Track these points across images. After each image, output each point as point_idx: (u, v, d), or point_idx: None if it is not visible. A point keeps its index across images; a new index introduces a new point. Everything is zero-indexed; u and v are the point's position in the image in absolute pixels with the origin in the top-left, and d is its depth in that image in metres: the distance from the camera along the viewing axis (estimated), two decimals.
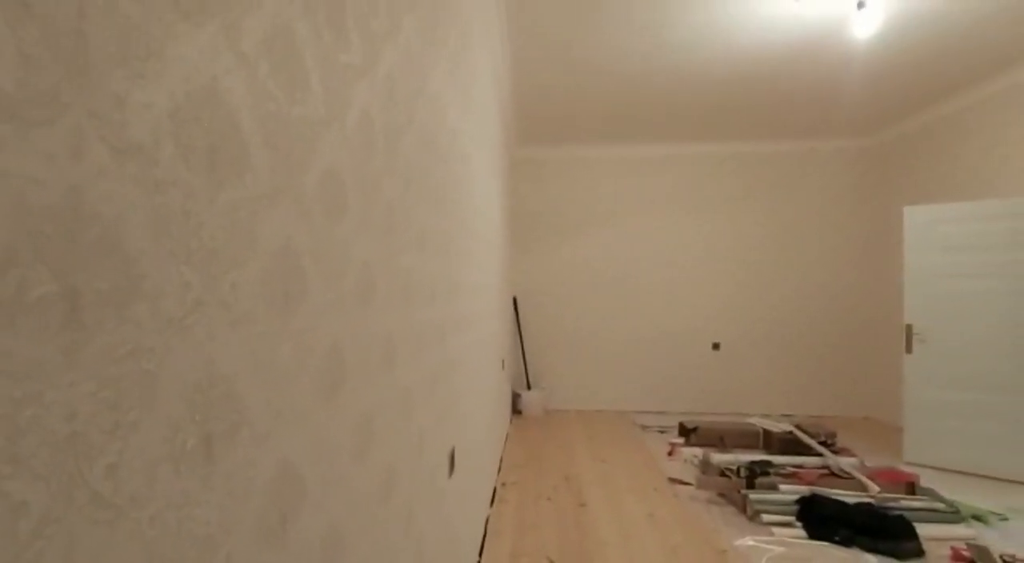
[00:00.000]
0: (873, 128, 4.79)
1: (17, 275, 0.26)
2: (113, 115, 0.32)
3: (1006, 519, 2.69)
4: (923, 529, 2.45)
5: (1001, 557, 2.27)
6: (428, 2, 1.25)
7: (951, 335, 3.54)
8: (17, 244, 0.26)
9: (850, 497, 2.69)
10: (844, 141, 5.12)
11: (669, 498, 2.99)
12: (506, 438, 4.21)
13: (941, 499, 2.73)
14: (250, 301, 0.48)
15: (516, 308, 5.37)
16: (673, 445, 3.94)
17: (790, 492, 2.74)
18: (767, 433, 3.79)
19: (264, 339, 0.50)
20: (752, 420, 4.12)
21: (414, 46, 1.11)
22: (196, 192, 0.40)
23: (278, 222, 0.53)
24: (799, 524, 2.54)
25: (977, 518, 2.67)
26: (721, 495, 2.95)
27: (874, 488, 2.77)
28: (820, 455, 3.36)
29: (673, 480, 3.26)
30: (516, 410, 5.19)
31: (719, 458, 3.25)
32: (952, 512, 2.60)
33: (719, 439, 3.89)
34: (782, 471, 3.01)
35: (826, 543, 2.38)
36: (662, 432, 4.47)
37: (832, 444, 3.56)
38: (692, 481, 3.21)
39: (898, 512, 2.53)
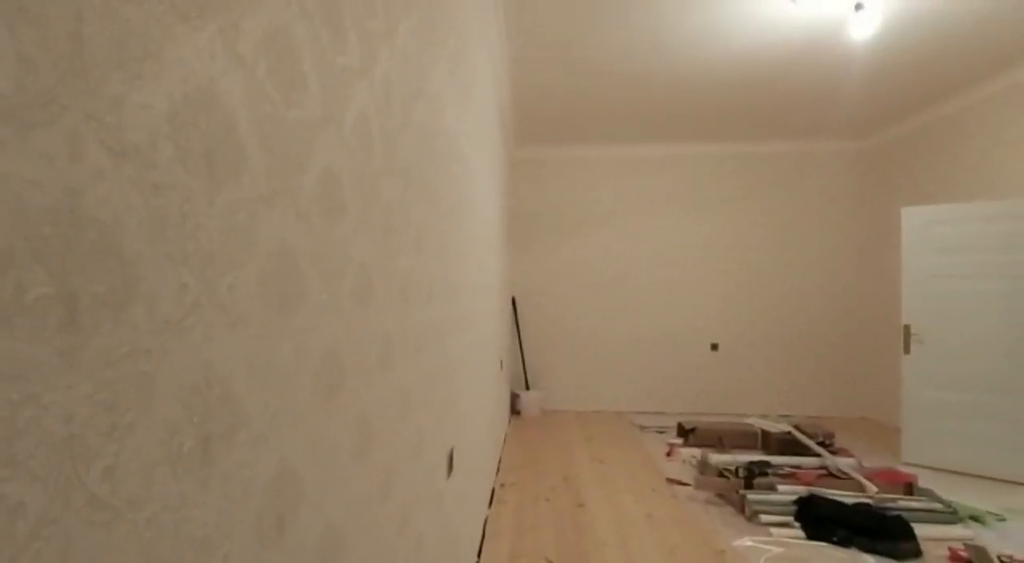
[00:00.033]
0: (871, 129, 4.80)
1: (14, 277, 0.26)
2: (111, 117, 0.32)
3: (1003, 520, 2.70)
4: (921, 529, 2.45)
5: (998, 557, 2.27)
6: (426, 3, 1.26)
7: (949, 336, 3.55)
8: (15, 246, 0.26)
9: (848, 497, 2.69)
10: (842, 142, 5.13)
11: (667, 498, 2.99)
12: (505, 439, 4.21)
13: (939, 499, 2.73)
14: (248, 303, 0.48)
15: (515, 308, 5.37)
16: (671, 445, 3.94)
17: (788, 492, 2.74)
18: (765, 433, 3.79)
19: (262, 341, 0.50)
20: (750, 421, 4.12)
21: (412, 47, 1.11)
22: (193, 194, 0.40)
23: (276, 224, 0.53)
24: (797, 524, 2.54)
25: (975, 519, 2.67)
26: (719, 495, 2.96)
27: (872, 488, 2.78)
28: (818, 456, 3.36)
29: (671, 480, 3.27)
30: (515, 410, 5.19)
31: (717, 458, 3.26)
32: (950, 512, 2.61)
33: (717, 439, 3.89)
34: (780, 471, 3.02)
35: (824, 543, 2.38)
36: (660, 432, 4.48)
37: (830, 444, 3.57)
38: (690, 481, 3.21)
39: (896, 512, 2.53)
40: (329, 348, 0.67)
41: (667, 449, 3.92)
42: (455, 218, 1.73)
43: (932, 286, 3.62)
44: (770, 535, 2.49)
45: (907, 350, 3.70)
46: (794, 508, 2.62)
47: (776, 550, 2.34)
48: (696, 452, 3.73)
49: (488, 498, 2.81)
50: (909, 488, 2.81)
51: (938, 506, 2.64)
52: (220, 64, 0.43)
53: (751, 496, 2.70)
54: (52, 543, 0.28)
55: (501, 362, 3.87)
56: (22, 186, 0.27)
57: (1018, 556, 2.31)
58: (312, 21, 0.61)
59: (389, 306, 0.94)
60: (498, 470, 3.47)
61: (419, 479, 1.16)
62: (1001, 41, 3.17)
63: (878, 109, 4.30)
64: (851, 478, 2.91)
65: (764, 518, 2.60)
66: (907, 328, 3.70)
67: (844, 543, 2.36)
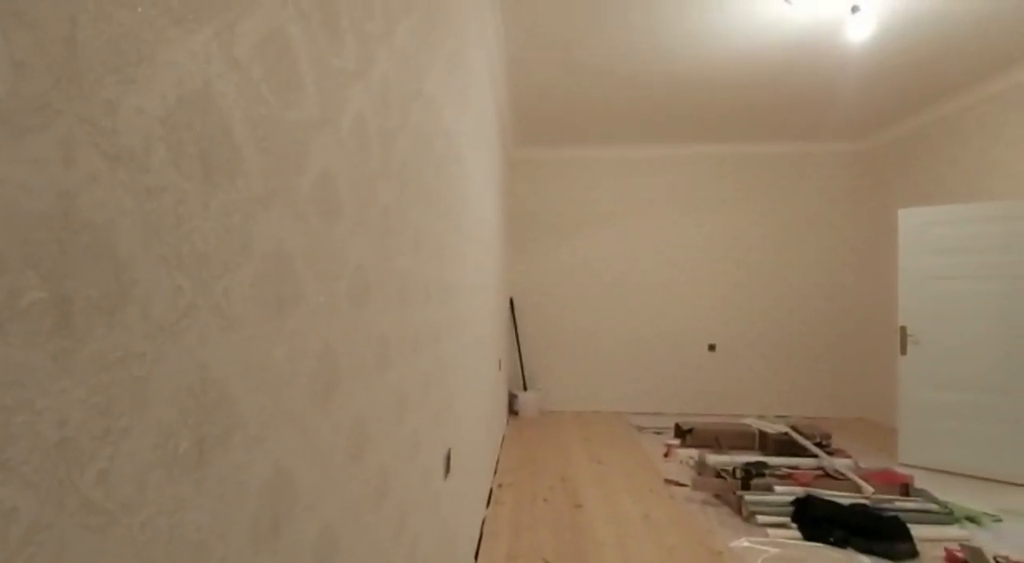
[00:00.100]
0: (869, 131, 4.82)
1: (8, 282, 0.26)
2: (104, 121, 0.32)
3: (999, 520, 2.71)
4: (917, 530, 2.46)
5: (994, 558, 2.28)
6: (424, 4, 1.26)
7: (945, 337, 3.56)
8: (8, 251, 0.26)
9: (845, 498, 2.70)
10: (840, 144, 5.15)
11: (665, 499, 2.99)
12: (502, 439, 4.21)
13: (935, 500, 2.74)
14: (243, 305, 0.48)
15: (513, 309, 5.37)
16: (669, 446, 3.94)
17: (785, 493, 2.75)
18: (763, 434, 3.80)
19: (258, 343, 0.50)
20: (748, 421, 4.13)
21: (410, 48, 1.11)
22: (188, 197, 0.40)
23: (272, 226, 0.53)
24: (794, 525, 2.55)
25: (971, 519, 2.68)
26: (717, 496, 2.96)
27: (868, 489, 2.79)
28: (815, 456, 3.37)
29: (669, 481, 3.27)
30: (512, 411, 5.19)
31: (715, 459, 3.26)
32: (946, 513, 2.62)
33: (715, 440, 3.90)
34: (777, 472, 3.02)
35: (821, 544, 2.39)
36: (658, 433, 4.48)
37: (827, 445, 3.57)
38: (688, 482, 3.22)
39: (892, 513, 2.54)
40: (325, 350, 0.67)
41: (665, 450, 3.92)
42: (452, 219, 1.73)
43: (928, 287, 3.63)
44: (767, 536, 2.49)
45: (903, 351, 3.71)
46: (791, 509, 2.62)
47: (773, 551, 2.34)
48: (694, 453, 3.74)
49: (486, 499, 2.81)
50: (905, 489, 2.81)
51: (934, 507, 2.65)
52: (215, 67, 0.43)
53: (748, 497, 2.70)
54: (46, 548, 0.28)
55: (499, 362, 3.87)
56: (15, 191, 0.27)
57: (1014, 557, 2.31)
58: (309, 23, 0.61)
59: (386, 307, 0.94)
60: (496, 470, 3.47)
61: (416, 480, 1.16)
62: (996, 44, 3.18)
63: (875, 110, 4.31)
64: (848, 479, 2.92)
65: (761, 519, 2.61)
66: (903, 329, 3.71)
67: (841, 544, 2.36)
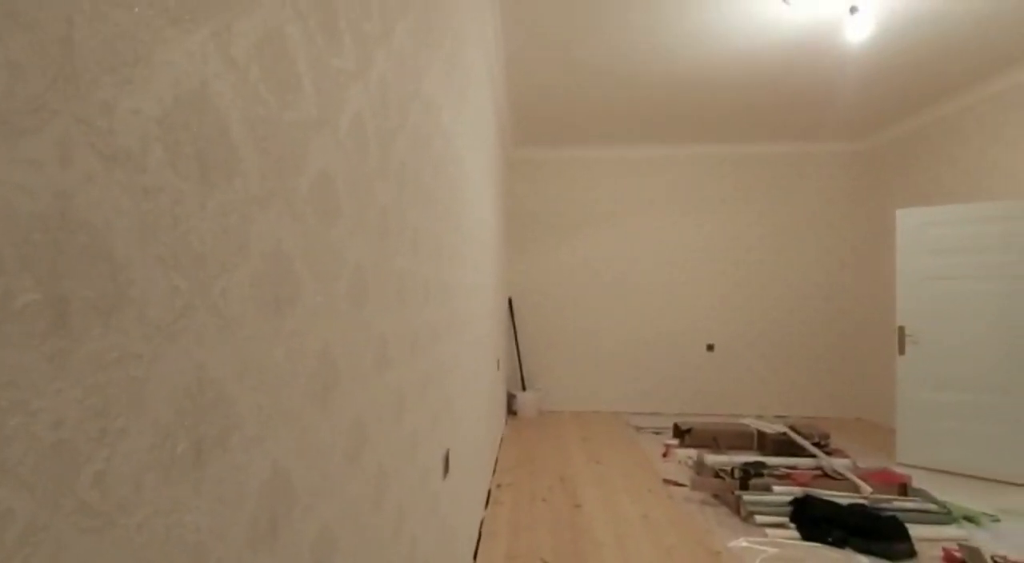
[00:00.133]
0: (868, 131, 4.83)
1: (3, 283, 0.26)
2: (101, 121, 0.32)
3: (997, 520, 2.71)
4: (915, 530, 2.46)
5: (992, 558, 2.28)
6: (422, 4, 1.26)
7: (943, 337, 3.56)
8: (3, 251, 0.26)
9: (843, 498, 2.70)
10: (839, 144, 5.15)
11: (663, 499, 2.99)
12: (501, 439, 4.21)
13: (933, 500, 2.74)
14: (241, 305, 0.48)
15: (512, 309, 5.37)
16: (668, 446, 3.95)
17: (784, 493, 2.75)
18: (761, 434, 3.80)
19: (255, 343, 0.50)
20: (746, 421, 4.13)
21: (408, 49, 1.11)
22: (185, 197, 0.40)
23: (269, 226, 0.53)
24: (792, 525, 2.55)
25: (969, 519, 2.69)
26: (715, 496, 2.96)
27: (867, 489, 2.79)
28: (813, 456, 3.37)
29: (667, 481, 3.27)
30: (511, 411, 5.19)
31: (713, 459, 3.26)
32: (944, 513, 2.62)
33: (713, 440, 3.90)
34: (776, 472, 3.03)
35: (819, 544, 2.39)
36: (657, 433, 4.48)
37: (825, 445, 3.58)
38: (686, 482, 3.22)
39: (891, 513, 2.54)
40: (324, 350, 0.66)
41: (663, 450, 3.93)
42: (451, 219, 1.73)
43: (926, 287, 3.64)
44: (765, 536, 2.50)
45: (902, 351, 3.71)
46: (789, 509, 2.63)
47: (771, 551, 2.34)
48: (692, 453, 3.74)
49: (484, 499, 2.81)
50: (903, 489, 2.82)
51: (932, 507, 2.65)
52: (213, 67, 0.43)
53: (747, 497, 2.70)
54: (42, 550, 0.28)
55: (498, 362, 3.87)
56: (11, 192, 0.27)
57: (1012, 556, 2.32)
58: (307, 23, 0.61)
59: (385, 308, 0.94)
60: (495, 471, 3.47)
61: (415, 481, 1.16)
62: (994, 44, 3.18)
63: (875, 111, 4.31)
64: (846, 479, 2.92)
65: (759, 519, 2.61)
66: (902, 329, 3.72)
67: (839, 544, 2.37)
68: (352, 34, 0.77)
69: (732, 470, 3.00)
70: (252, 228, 0.50)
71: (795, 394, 5.18)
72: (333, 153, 0.69)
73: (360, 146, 0.80)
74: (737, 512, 2.74)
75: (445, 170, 1.59)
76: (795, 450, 3.53)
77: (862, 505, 2.59)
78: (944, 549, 2.33)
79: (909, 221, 3.71)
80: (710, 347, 5.25)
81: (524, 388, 5.29)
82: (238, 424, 0.47)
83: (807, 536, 2.45)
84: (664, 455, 3.82)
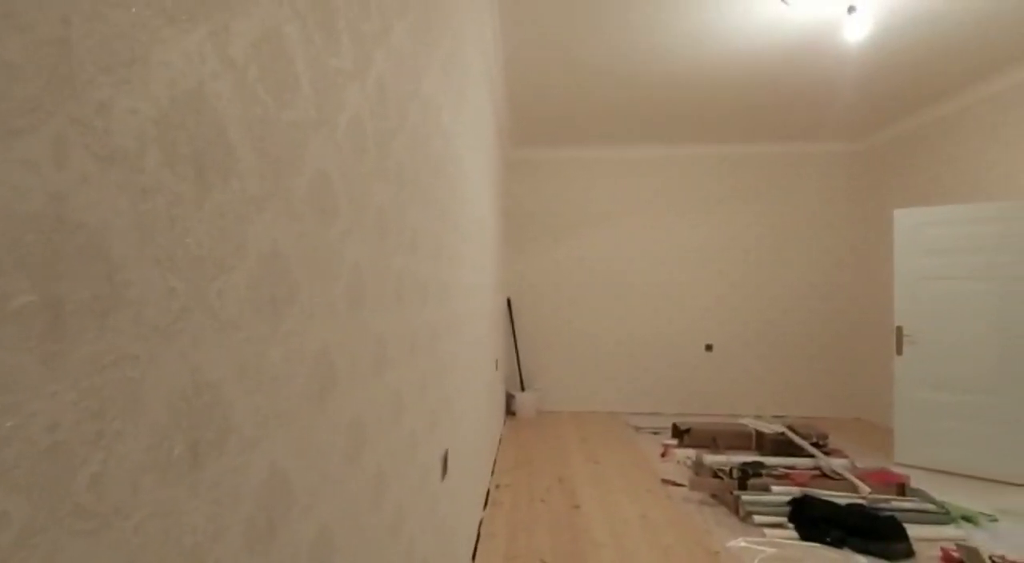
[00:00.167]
0: (866, 131, 4.83)
1: None
2: (97, 122, 0.32)
3: (995, 520, 2.72)
4: (913, 530, 2.47)
5: (990, 558, 2.29)
6: (421, 4, 1.25)
7: (941, 337, 3.57)
8: None
9: (841, 498, 2.71)
10: (837, 144, 5.16)
11: (662, 499, 2.99)
12: (500, 440, 4.21)
13: (931, 500, 2.75)
14: (238, 307, 0.47)
15: (510, 309, 5.37)
16: (666, 446, 3.95)
17: (782, 493, 2.76)
18: (759, 434, 3.81)
19: (253, 344, 0.50)
20: (744, 421, 4.13)
21: (407, 49, 1.11)
22: (182, 198, 0.40)
23: (267, 227, 0.53)
24: (791, 525, 2.55)
25: (967, 519, 2.69)
26: (713, 496, 2.96)
27: (865, 489, 2.79)
28: (812, 456, 3.38)
29: (666, 481, 3.27)
30: (510, 411, 5.19)
31: (711, 459, 3.27)
32: (942, 513, 2.62)
33: (712, 440, 3.90)
34: (774, 472, 3.03)
35: (817, 544, 2.39)
36: (655, 433, 4.48)
37: (824, 445, 3.58)
38: (685, 482, 3.22)
39: (889, 513, 2.55)
40: (321, 351, 0.66)
41: (662, 450, 3.93)
42: (450, 219, 1.73)
43: (924, 288, 3.65)
44: (764, 536, 2.50)
45: (899, 351, 3.72)
46: (788, 509, 2.63)
47: (770, 551, 2.34)
48: (690, 453, 3.74)
49: (483, 499, 2.81)
50: (902, 489, 2.82)
51: (930, 507, 2.66)
52: (210, 67, 0.43)
53: (745, 497, 2.71)
54: (37, 553, 0.28)
55: (496, 363, 3.87)
56: (6, 193, 0.27)
57: (1010, 556, 2.32)
58: (305, 23, 0.61)
59: (383, 308, 0.94)
60: (493, 471, 3.47)
61: (413, 482, 1.16)
62: (996, 42, 3.19)
63: (873, 111, 4.32)
64: (844, 479, 2.93)
65: (758, 519, 2.61)
66: (899, 329, 3.72)
67: (837, 544, 2.37)
68: (350, 34, 0.76)
69: (730, 470, 3.00)
70: (249, 229, 0.49)
71: (793, 394, 5.19)
72: (331, 153, 0.69)
73: (358, 146, 0.80)
74: (735, 512, 2.75)
75: (444, 170, 1.59)
76: (793, 450, 3.54)
77: (860, 505, 2.60)
78: (942, 549, 2.33)
79: (906, 221, 3.72)
80: (708, 347, 5.26)
81: (523, 388, 5.29)
82: (235, 425, 0.47)
83: (805, 536, 2.45)
84: (662, 455, 3.82)
